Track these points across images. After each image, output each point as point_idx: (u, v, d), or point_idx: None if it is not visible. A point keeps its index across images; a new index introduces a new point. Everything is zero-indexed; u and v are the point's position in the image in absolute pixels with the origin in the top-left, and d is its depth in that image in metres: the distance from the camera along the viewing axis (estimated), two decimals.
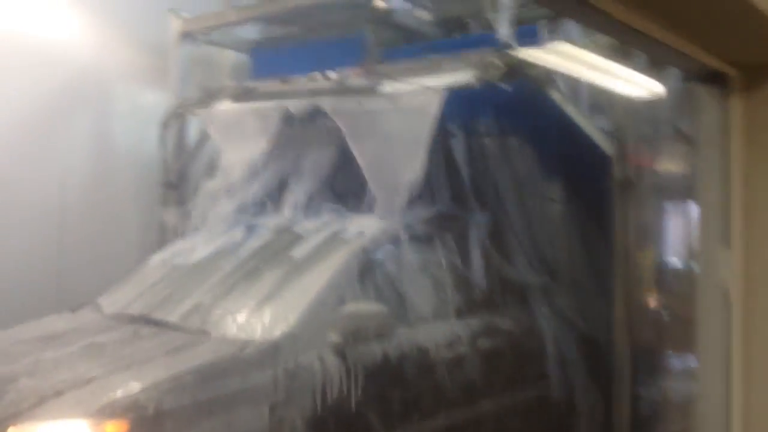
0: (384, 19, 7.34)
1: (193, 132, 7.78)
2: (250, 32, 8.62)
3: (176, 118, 7.64)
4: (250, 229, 5.59)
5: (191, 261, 5.39)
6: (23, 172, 6.80)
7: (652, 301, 5.83)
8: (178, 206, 7.49)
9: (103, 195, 7.59)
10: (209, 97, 7.38)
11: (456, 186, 5.83)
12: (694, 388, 3.82)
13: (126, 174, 7.84)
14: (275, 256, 5.10)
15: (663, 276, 6.17)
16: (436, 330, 5.03)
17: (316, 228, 5.31)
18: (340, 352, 4.37)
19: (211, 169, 7.51)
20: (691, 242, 5.63)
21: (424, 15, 7.39)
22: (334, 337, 4.38)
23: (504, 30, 5.80)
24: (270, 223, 5.65)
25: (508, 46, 5.66)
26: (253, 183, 6.46)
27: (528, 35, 5.63)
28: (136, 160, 7.90)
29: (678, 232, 6.32)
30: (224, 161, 6.67)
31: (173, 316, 4.72)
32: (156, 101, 7.89)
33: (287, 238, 5.32)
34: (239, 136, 6.66)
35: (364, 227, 5.16)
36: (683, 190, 5.88)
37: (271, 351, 4.20)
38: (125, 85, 7.98)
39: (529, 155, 6.12)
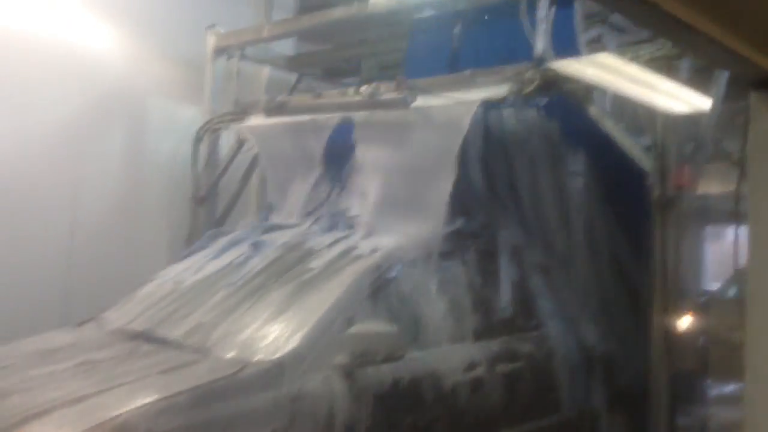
0: None
1: (225, 147, 7.69)
2: (286, 47, 8.54)
3: (209, 132, 7.56)
4: (261, 245, 5.36)
5: (199, 277, 5.18)
6: (40, 182, 6.70)
7: (691, 326, 5.48)
8: (207, 220, 7.40)
9: (132, 207, 7.52)
10: (243, 111, 7.30)
11: (478, 200, 5.56)
12: (741, 414, 3.55)
13: (155, 187, 7.76)
14: (284, 273, 4.85)
15: (703, 300, 5.86)
16: (452, 353, 4.73)
17: (328, 244, 5.08)
18: (348, 375, 4.12)
19: (242, 184, 7.47)
20: (733, 266, 5.30)
21: None
22: (341, 359, 4.13)
23: (540, 43, 5.56)
24: (282, 238, 5.42)
25: (545, 59, 5.42)
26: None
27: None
28: (167, 173, 7.81)
29: (719, 254, 6.01)
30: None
31: (175, 334, 4.50)
32: (189, 116, 7.84)
33: (298, 254, 5.09)
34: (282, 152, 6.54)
35: (378, 243, 4.91)
36: (725, 212, 5.55)
37: (274, 372, 3.96)
38: (159, 99, 7.92)
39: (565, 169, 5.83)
